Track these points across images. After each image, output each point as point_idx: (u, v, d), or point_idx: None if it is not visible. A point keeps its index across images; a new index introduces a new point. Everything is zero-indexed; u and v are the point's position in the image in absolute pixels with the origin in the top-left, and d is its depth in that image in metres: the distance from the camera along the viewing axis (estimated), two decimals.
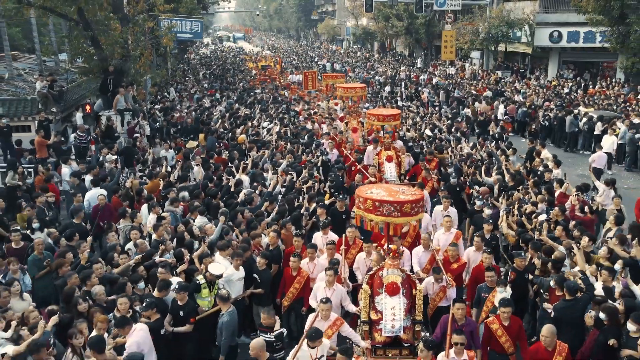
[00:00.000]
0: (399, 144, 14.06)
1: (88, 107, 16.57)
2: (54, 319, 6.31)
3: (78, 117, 16.86)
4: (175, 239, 8.51)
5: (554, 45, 31.51)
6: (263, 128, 17.15)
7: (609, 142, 16.78)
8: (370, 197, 6.61)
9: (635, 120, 17.96)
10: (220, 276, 7.33)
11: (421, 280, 7.68)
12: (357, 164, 12.87)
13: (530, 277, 8.02)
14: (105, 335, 6.07)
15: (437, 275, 7.68)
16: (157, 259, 7.73)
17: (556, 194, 10.73)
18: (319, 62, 45.30)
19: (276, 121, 17.79)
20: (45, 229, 9.00)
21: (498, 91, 26.69)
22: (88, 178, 11.37)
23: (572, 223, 9.00)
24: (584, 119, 19.22)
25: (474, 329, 6.81)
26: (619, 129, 17.50)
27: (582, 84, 27.85)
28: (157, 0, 19.74)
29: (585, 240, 8.16)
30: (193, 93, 25.64)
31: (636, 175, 16.51)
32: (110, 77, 17.09)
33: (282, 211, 9.70)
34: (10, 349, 5.80)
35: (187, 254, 7.88)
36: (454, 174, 12.41)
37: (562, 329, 6.62)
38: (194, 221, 9.24)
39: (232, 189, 10.82)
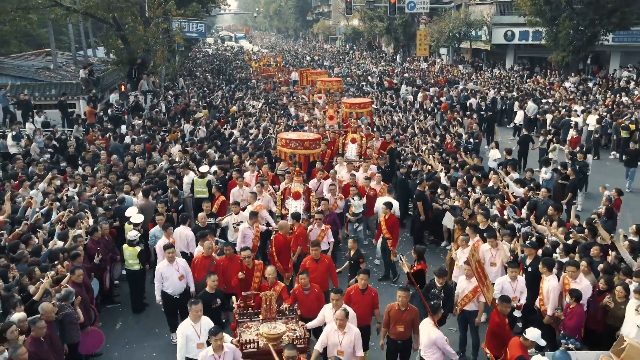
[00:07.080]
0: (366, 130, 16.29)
1: (123, 87, 21.77)
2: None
3: (112, 97, 22.06)
4: None
5: (509, 43, 36.58)
6: (251, 106, 22.43)
7: (519, 116, 22.09)
8: (285, 137, 11.53)
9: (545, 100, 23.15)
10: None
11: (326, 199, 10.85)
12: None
13: None
14: None
15: (332, 187, 10.99)
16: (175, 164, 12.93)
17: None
18: (309, 60, 50.17)
19: (262, 100, 23.11)
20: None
21: (453, 81, 31.82)
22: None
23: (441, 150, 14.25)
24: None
25: (335, 217, 10.45)
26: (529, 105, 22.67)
27: (525, 76, 32.91)
28: (170, 6, 24.86)
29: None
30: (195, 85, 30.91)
31: None
32: (134, 67, 22.36)
33: (268, 150, 14.73)
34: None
35: (191, 165, 12.93)
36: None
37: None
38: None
39: (227, 137, 16.11)
